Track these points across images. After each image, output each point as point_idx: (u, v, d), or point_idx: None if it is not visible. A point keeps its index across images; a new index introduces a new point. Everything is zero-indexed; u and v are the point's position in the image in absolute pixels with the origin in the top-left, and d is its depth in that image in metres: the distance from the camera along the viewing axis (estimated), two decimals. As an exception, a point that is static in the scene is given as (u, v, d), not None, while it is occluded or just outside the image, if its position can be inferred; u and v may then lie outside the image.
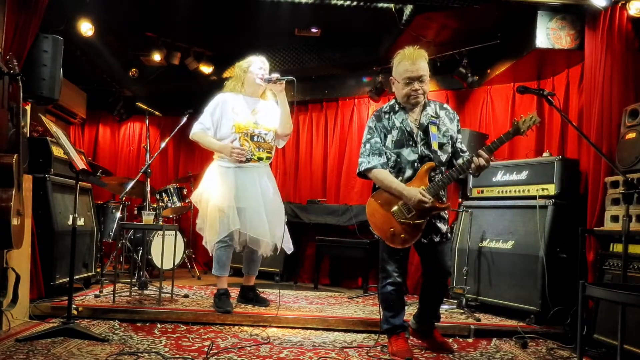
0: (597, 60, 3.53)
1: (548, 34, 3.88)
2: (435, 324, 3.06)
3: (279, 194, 3.80)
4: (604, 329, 3.03)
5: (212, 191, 3.61)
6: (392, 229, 2.72)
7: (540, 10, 3.86)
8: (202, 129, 3.64)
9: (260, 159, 3.66)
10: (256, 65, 3.68)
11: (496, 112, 5.00)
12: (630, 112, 3.30)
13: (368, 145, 2.80)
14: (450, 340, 3.17)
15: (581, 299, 2.22)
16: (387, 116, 2.83)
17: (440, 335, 3.05)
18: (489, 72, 4.80)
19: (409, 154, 2.77)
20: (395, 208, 2.73)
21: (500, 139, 2.68)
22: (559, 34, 3.88)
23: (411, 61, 2.72)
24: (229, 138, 3.61)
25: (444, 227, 2.85)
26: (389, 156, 2.79)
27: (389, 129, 2.80)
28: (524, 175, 3.88)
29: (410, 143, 2.77)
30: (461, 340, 3.25)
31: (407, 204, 2.69)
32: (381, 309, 2.87)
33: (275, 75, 3.60)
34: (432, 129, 2.76)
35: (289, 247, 3.77)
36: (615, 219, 3.19)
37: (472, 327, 3.36)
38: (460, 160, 2.82)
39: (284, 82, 3.57)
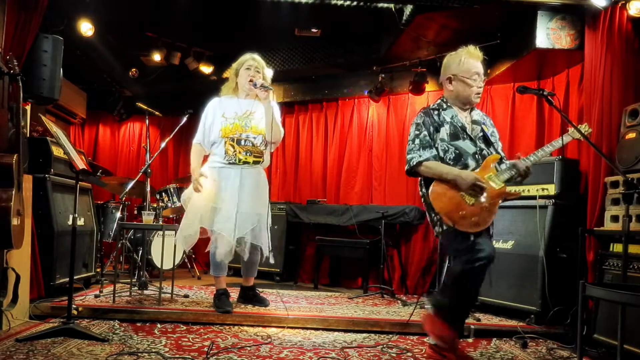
0: (597, 60, 3.53)
1: (548, 34, 3.88)
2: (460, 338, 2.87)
3: (261, 196, 3.64)
4: (604, 329, 3.03)
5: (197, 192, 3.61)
6: (462, 212, 2.55)
7: (540, 10, 3.86)
8: (194, 144, 3.72)
9: (246, 163, 3.58)
10: (246, 65, 3.63)
11: (496, 112, 4.99)
12: (630, 112, 3.30)
13: (417, 141, 2.68)
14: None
15: (581, 299, 2.22)
16: (435, 112, 2.74)
17: (464, 350, 2.85)
18: (489, 72, 4.80)
19: (467, 147, 2.69)
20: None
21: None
22: (559, 34, 3.88)
23: (477, 59, 2.69)
24: (217, 142, 3.61)
25: (491, 229, 2.76)
26: (446, 148, 2.66)
27: (440, 123, 2.71)
28: (524, 175, 3.87)
29: (465, 136, 2.70)
30: (461, 340, 3.25)
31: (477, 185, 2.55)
32: (452, 288, 2.59)
33: (260, 82, 3.50)
34: (485, 128, 2.78)
35: (265, 248, 3.64)
36: (615, 219, 3.19)
37: (472, 327, 3.36)
38: (523, 159, 2.76)
39: (270, 90, 3.47)
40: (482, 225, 2.57)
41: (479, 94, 2.74)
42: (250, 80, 3.57)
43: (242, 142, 3.59)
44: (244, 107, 3.65)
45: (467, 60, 2.70)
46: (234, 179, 3.56)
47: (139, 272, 4.39)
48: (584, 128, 2.81)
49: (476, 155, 2.70)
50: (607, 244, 3.19)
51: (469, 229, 2.54)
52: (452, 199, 2.57)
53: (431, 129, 2.69)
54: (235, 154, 3.56)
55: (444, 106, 2.77)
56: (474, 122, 2.77)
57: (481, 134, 2.76)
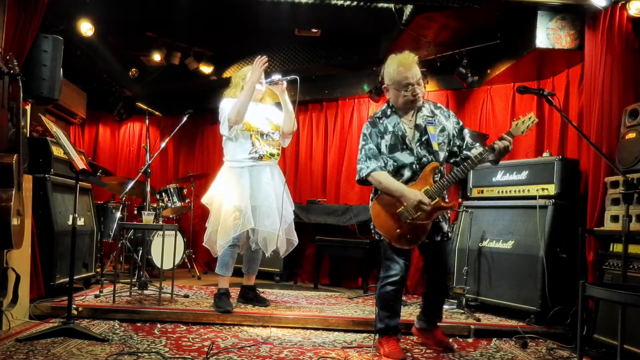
0: (597, 60, 3.53)
1: (548, 34, 3.88)
2: (438, 323, 3.09)
3: (288, 190, 3.84)
4: (604, 329, 3.03)
5: (226, 192, 3.66)
6: (398, 230, 2.72)
7: (540, 10, 3.86)
8: None
9: (272, 155, 3.75)
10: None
11: (496, 112, 5.00)
12: (630, 112, 3.30)
13: (363, 152, 2.80)
14: (450, 340, 3.17)
15: (581, 299, 2.22)
16: (380, 121, 2.83)
17: (442, 334, 3.07)
18: (489, 72, 4.80)
19: (405, 157, 2.77)
20: (401, 208, 2.70)
21: (509, 133, 2.70)
22: (559, 34, 3.88)
23: (407, 67, 2.72)
24: (241, 136, 3.68)
25: (445, 227, 2.88)
26: (386, 161, 2.79)
27: (382, 132, 2.80)
28: (524, 175, 3.88)
29: (404, 146, 2.77)
30: (461, 340, 3.25)
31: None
32: (377, 308, 2.87)
33: (277, 76, 3.68)
34: (430, 129, 2.77)
35: (293, 241, 3.84)
36: (615, 219, 3.19)
37: (472, 327, 3.36)
38: (475, 150, 2.80)
39: (285, 82, 3.69)
40: (416, 241, 2.75)
41: (414, 100, 2.75)
42: (261, 81, 3.71)
43: (265, 137, 3.74)
44: (255, 107, 3.76)
45: (398, 72, 2.73)
46: (266, 174, 3.69)
47: (139, 272, 4.39)
48: (529, 119, 2.70)
49: (414, 166, 2.76)
50: (607, 244, 3.19)
51: (405, 246, 2.75)
52: (391, 217, 2.73)
53: (378, 139, 2.79)
54: (262, 147, 3.70)
55: (388, 112, 2.84)
56: (416, 126, 2.78)
57: (424, 138, 2.76)
